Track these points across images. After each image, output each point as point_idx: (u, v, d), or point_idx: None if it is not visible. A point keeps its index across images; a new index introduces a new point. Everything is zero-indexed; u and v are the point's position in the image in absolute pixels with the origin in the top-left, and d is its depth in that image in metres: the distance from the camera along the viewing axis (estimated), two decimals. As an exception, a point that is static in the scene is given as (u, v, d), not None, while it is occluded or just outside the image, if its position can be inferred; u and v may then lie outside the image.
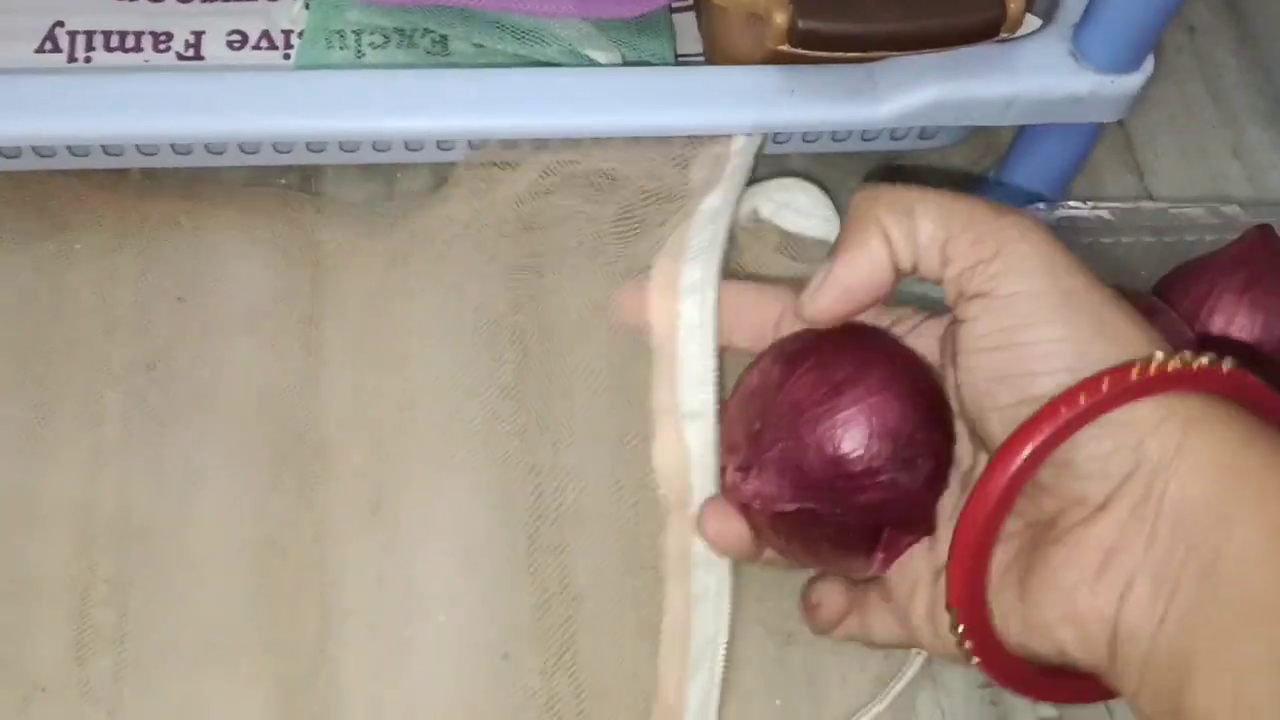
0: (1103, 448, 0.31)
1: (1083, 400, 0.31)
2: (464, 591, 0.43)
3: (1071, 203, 0.48)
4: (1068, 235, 0.48)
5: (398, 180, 0.52)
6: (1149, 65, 0.45)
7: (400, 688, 0.42)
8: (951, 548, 0.33)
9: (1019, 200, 0.50)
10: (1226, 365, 0.32)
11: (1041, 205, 0.48)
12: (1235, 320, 0.46)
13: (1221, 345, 0.40)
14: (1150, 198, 0.55)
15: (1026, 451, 0.32)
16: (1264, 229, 0.46)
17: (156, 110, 0.43)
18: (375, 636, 0.42)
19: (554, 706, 0.41)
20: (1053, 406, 0.31)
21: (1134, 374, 0.31)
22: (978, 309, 0.34)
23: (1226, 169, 0.56)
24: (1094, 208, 0.48)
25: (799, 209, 0.46)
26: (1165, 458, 0.31)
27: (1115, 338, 0.32)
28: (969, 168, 0.55)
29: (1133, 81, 0.45)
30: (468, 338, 0.47)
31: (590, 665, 0.42)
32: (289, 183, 0.51)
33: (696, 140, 0.45)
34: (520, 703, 0.42)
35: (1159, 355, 0.31)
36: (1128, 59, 0.44)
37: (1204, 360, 0.31)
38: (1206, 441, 0.30)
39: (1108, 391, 0.31)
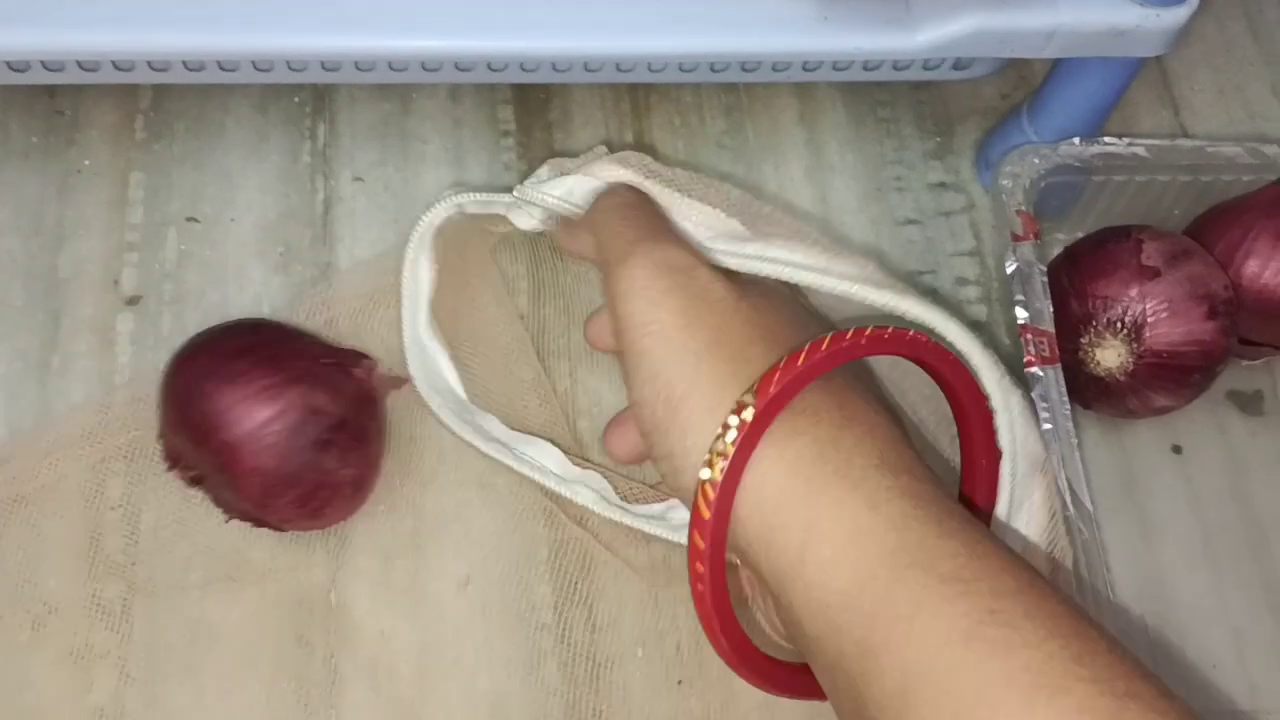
0: (732, 529, 0.32)
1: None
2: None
3: (1107, 138, 0.47)
4: (1103, 173, 0.47)
5: (413, 100, 0.51)
6: (1195, -2, 0.43)
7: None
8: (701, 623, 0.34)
9: (1051, 135, 0.48)
10: (751, 407, 0.31)
11: (1076, 140, 0.47)
12: (1270, 264, 0.45)
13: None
14: (1186, 134, 0.54)
15: (703, 562, 0.32)
16: None
17: (167, 25, 0.41)
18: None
19: None
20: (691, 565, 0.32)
21: (702, 497, 0.31)
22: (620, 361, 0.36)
23: (1265, 108, 0.55)
24: (1130, 144, 0.47)
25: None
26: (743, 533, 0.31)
27: (696, 392, 0.32)
28: (1000, 99, 0.54)
29: (1178, 15, 0.43)
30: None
31: None
32: (302, 101, 0.50)
33: None
34: None
35: (726, 424, 0.31)
36: (1174, -9, 0.43)
37: (749, 400, 0.31)
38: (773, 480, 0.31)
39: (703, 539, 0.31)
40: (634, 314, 0.33)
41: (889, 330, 0.33)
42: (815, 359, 0.31)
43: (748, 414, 0.30)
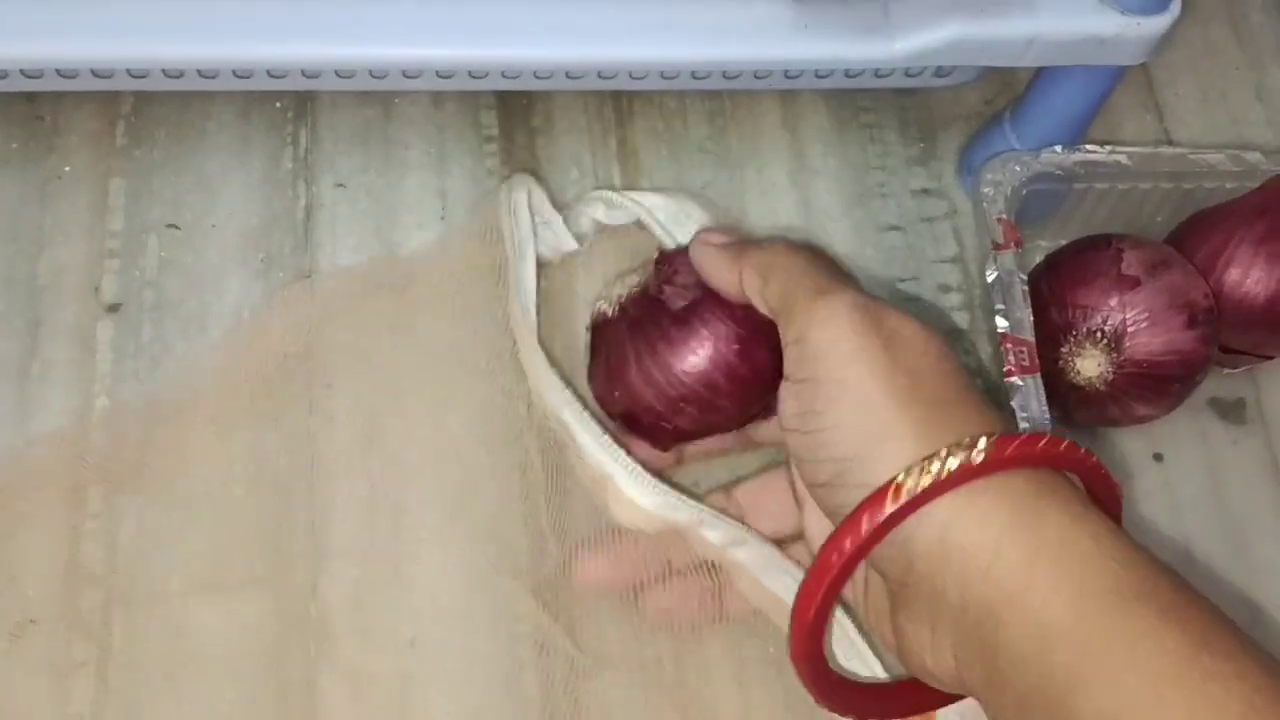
0: (912, 537, 0.32)
1: (864, 525, 0.32)
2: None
3: (1088, 146, 0.47)
4: (1084, 180, 0.47)
5: (395, 105, 0.51)
6: (1176, 6, 0.43)
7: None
8: (792, 614, 0.35)
9: (1033, 142, 0.48)
10: (983, 452, 0.32)
11: (1058, 148, 0.47)
12: (1251, 273, 0.45)
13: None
14: (1169, 139, 0.54)
15: (844, 553, 0.33)
16: None
17: (146, 33, 0.41)
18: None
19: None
20: (824, 556, 0.33)
21: (891, 494, 0.32)
22: (784, 390, 0.36)
23: (1248, 112, 0.55)
24: (1112, 152, 0.47)
25: (608, 207, 0.46)
26: (929, 555, 0.32)
27: (906, 433, 0.33)
28: (983, 105, 0.54)
29: (1159, 23, 0.43)
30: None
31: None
32: (284, 106, 0.50)
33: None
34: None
35: (941, 455, 0.32)
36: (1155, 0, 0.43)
37: (980, 450, 0.32)
38: (975, 537, 0.32)
39: (866, 528, 0.32)
40: (839, 342, 0.34)
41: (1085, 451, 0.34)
42: (1050, 451, 0.33)
43: (977, 455, 0.32)
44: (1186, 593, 0.31)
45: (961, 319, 0.49)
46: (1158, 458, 0.47)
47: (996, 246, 0.45)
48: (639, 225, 0.46)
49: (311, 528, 0.42)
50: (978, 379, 0.48)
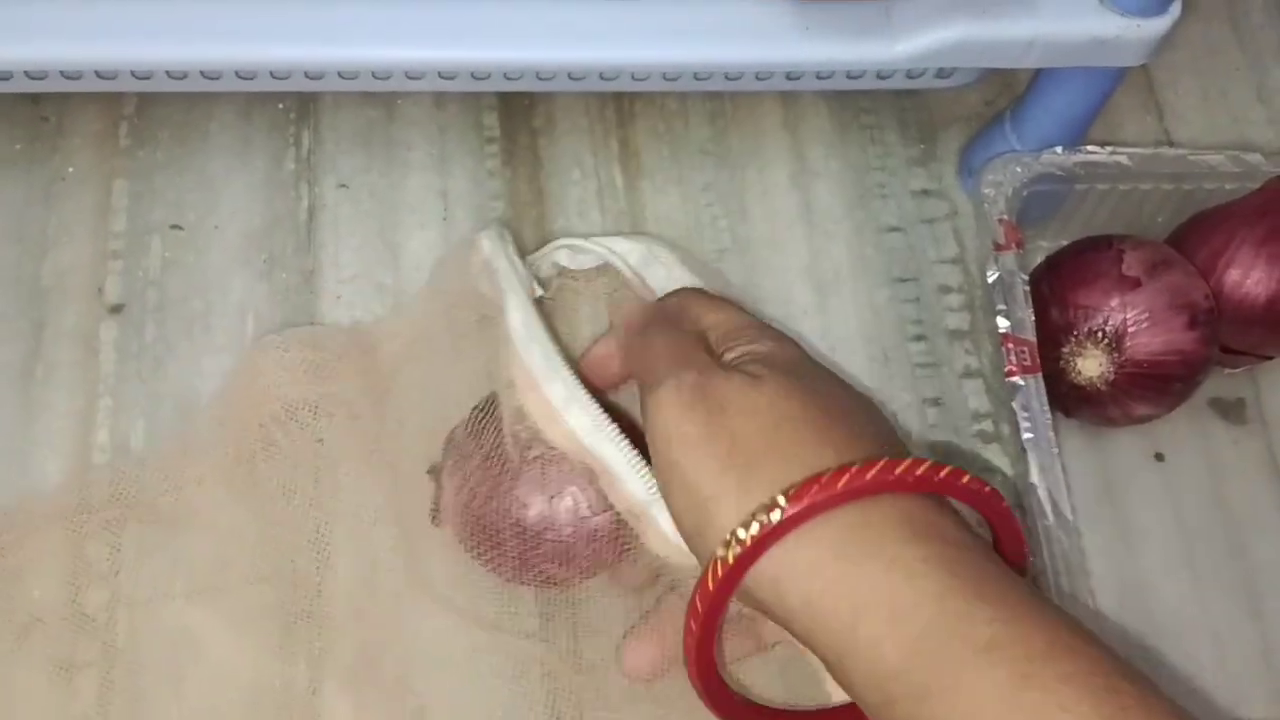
0: (760, 596, 0.33)
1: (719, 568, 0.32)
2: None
3: (1089, 147, 0.47)
4: (1085, 181, 0.47)
5: (398, 106, 0.51)
6: (1176, 8, 0.43)
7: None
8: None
9: (1033, 143, 0.48)
10: (780, 510, 0.32)
11: (1059, 149, 0.47)
12: (1252, 274, 0.45)
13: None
14: (1170, 140, 0.54)
15: (698, 617, 0.34)
16: None
17: (150, 36, 0.42)
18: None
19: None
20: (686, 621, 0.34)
21: (712, 570, 0.32)
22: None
23: (1249, 112, 0.55)
24: (1112, 153, 0.47)
25: (573, 252, 0.46)
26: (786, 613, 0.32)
27: (726, 497, 0.33)
28: (983, 106, 0.54)
29: (1160, 25, 0.43)
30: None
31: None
32: (286, 108, 0.50)
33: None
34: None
35: (754, 514, 0.32)
36: (1155, 1, 0.43)
37: (779, 508, 0.32)
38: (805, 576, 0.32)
39: (702, 606, 0.33)
40: (663, 429, 0.35)
41: (945, 470, 0.33)
42: (855, 484, 0.32)
43: (775, 515, 0.32)
44: (1011, 625, 0.30)
45: (962, 319, 0.49)
46: (1159, 457, 0.47)
47: (998, 247, 0.45)
48: (603, 270, 0.46)
49: (316, 532, 0.42)
50: (979, 378, 0.48)
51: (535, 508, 0.40)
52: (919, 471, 0.32)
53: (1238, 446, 0.48)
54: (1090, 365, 0.44)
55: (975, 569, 0.31)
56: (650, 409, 0.36)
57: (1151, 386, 0.44)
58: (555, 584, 0.41)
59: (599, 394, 0.40)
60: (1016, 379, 0.43)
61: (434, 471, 0.42)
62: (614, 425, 0.39)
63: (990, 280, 0.45)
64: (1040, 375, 0.43)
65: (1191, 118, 0.55)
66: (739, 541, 0.32)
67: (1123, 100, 0.54)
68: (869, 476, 0.32)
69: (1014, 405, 0.42)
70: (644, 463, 0.38)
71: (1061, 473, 0.42)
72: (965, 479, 0.33)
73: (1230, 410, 0.48)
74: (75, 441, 0.44)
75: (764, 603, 0.33)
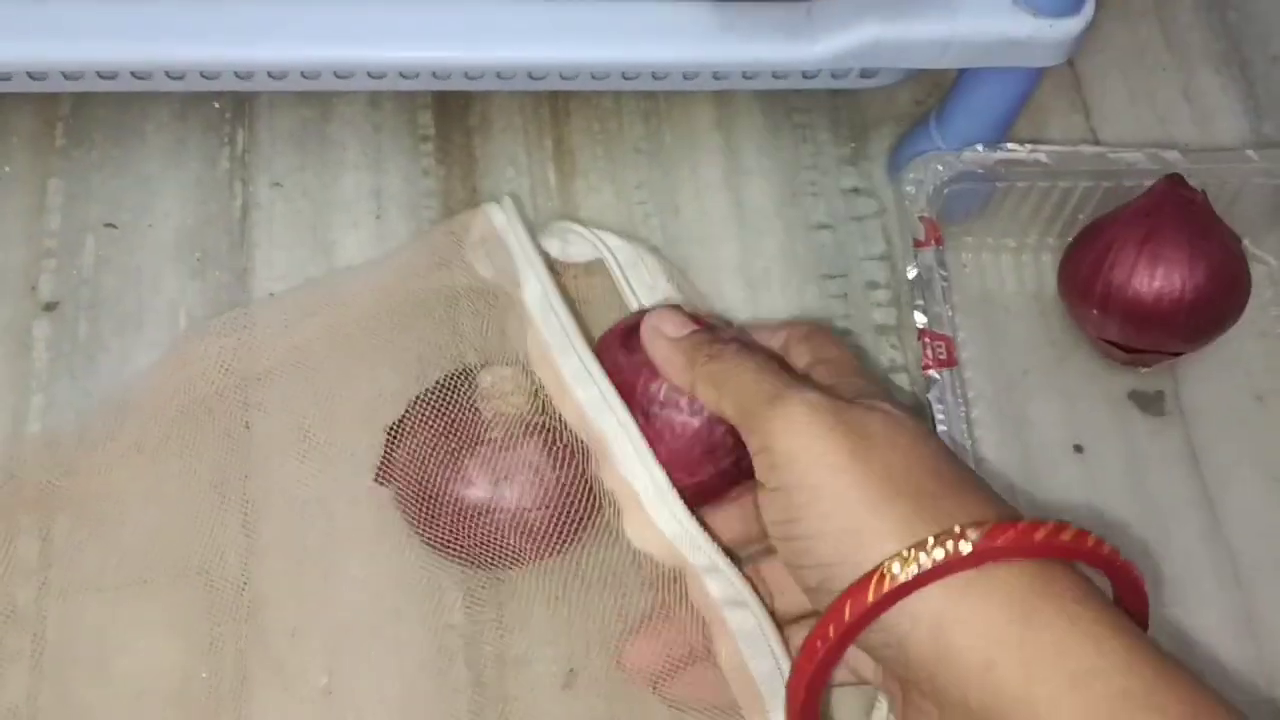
0: (904, 632, 0.32)
1: (847, 613, 0.31)
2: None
3: (1010, 145, 0.48)
4: (1006, 179, 0.48)
5: (333, 106, 0.51)
6: (1089, 9, 0.44)
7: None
8: (785, 698, 0.35)
9: (958, 142, 0.49)
10: (970, 542, 0.31)
11: (979, 147, 0.48)
12: (1135, 273, 0.45)
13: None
14: (1096, 138, 0.55)
15: (827, 640, 0.32)
16: (1172, 179, 0.46)
17: (78, 35, 0.42)
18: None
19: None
20: (810, 641, 0.33)
21: (875, 582, 0.31)
22: (761, 499, 0.35)
23: (1175, 112, 0.56)
24: (1032, 151, 0.48)
25: (572, 242, 0.47)
26: (923, 654, 0.31)
27: (888, 531, 0.32)
28: (914, 105, 0.54)
29: (1072, 25, 0.44)
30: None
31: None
32: (222, 107, 0.51)
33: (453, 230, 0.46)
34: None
35: (927, 545, 0.31)
36: (1067, 2, 0.43)
37: (968, 541, 0.31)
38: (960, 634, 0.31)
39: (849, 616, 0.32)
40: (804, 449, 0.33)
41: (1091, 539, 0.32)
42: (1053, 541, 0.31)
43: (964, 545, 0.30)
44: (1200, 698, 0.29)
45: (888, 315, 0.50)
46: (1078, 449, 0.48)
47: (918, 244, 0.46)
48: (594, 269, 0.46)
49: (244, 524, 0.43)
50: (903, 373, 0.49)
51: (478, 488, 0.40)
52: (1087, 542, 0.32)
53: (1156, 438, 0.49)
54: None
55: (1148, 641, 0.31)
56: (777, 428, 0.34)
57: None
58: (480, 566, 0.42)
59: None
60: (932, 373, 0.44)
61: (391, 430, 0.42)
62: (622, 403, 0.40)
63: (910, 277, 0.45)
64: (956, 369, 0.44)
65: (1118, 117, 0.56)
66: (912, 562, 0.30)
67: (1050, 99, 0.55)
68: (1065, 538, 0.31)
69: (929, 398, 0.43)
70: (646, 448, 0.39)
71: (974, 465, 0.43)
72: (1107, 548, 0.32)
73: (1149, 402, 0.49)
74: (6, 439, 0.44)
75: (898, 644, 0.32)
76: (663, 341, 0.40)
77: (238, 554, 0.43)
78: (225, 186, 0.49)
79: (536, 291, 0.42)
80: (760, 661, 0.38)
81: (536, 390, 0.42)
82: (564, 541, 0.40)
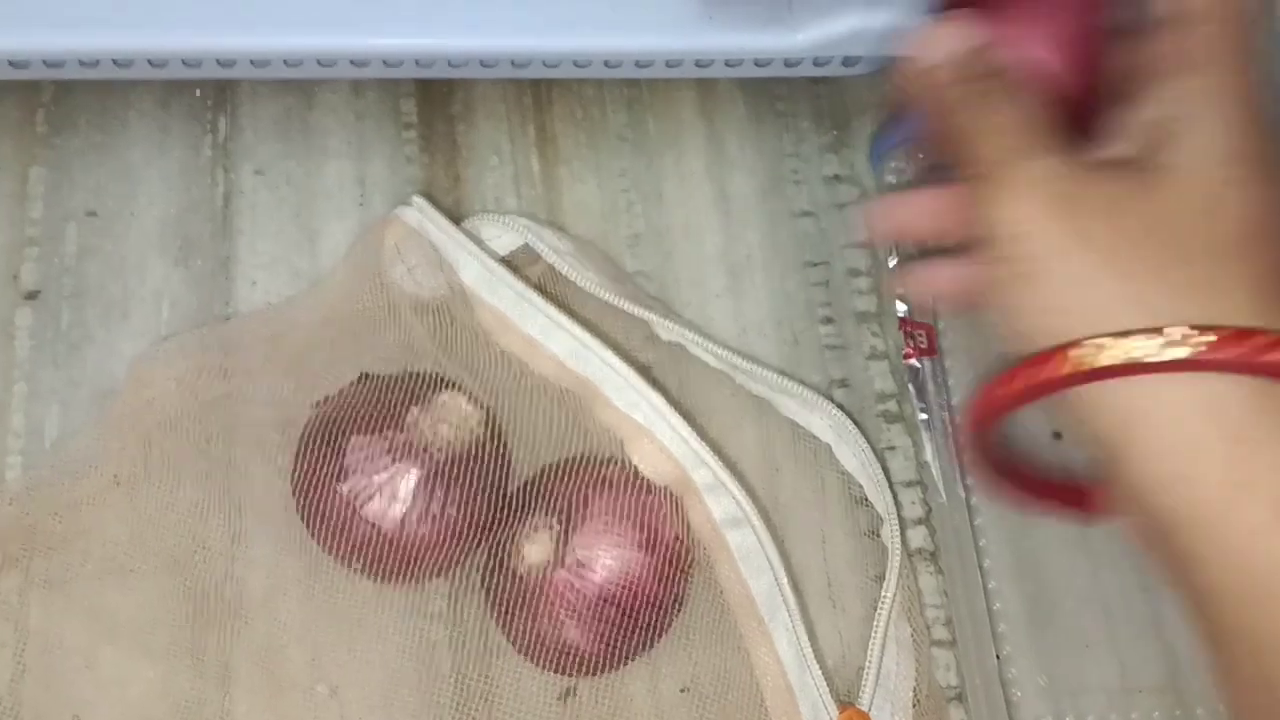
0: (1090, 413, 0.30)
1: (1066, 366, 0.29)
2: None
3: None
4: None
5: (316, 93, 0.51)
6: (1070, -2, 0.44)
7: None
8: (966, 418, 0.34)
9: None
10: (1189, 347, 0.28)
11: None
12: None
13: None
14: (1078, 127, 0.55)
15: (991, 402, 0.32)
16: None
17: (60, 22, 0.42)
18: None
19: None
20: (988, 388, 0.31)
21: (1056, 361, 0.29)
22: (983, 269, 0.33)
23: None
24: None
25: (491, 234, 0.47)
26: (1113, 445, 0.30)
27: (1096, 305, 0.30)
28: (895, 93, 0.55)
29: (1053, 14, 0.44)
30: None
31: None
32: (204, 95, 0.51)
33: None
34: None
35: (1097, 343, 0.29)
36: (1048, -9, 0.44)
37: (1184, 345, 0.28)
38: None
39: (1020, 384, 0.30)
40: (1021, 226, 0.31)
41: None
42: None
43: (1178, 350, 0.28)
44: None
45: (870, 302, 0.50)
46: (1057, 436, 0.48)
47: (899, 232, 0.46)
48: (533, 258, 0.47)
49: (226, 516, 0.43)
50: (884, 360, 0.49)
51: (348, 482, 0.40)
52: None
53: (1135, 425, 0.49)
54: None
55: None
56: (1000, 196, 0.31)
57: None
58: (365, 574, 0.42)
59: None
60: (913, 361, 0.44)
61: (317, 405, 0.43)
62: (601, 343, 0.40)
63: (891, 265, 0.46)
64: (937, 358, 0.44)
65: (1099, 105, 0.56)
66: (1089, 356, 0.28)
67: (1032, 87, 0.55)
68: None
69: (910, 387, 0.43)
70: (641, 379, 0.41)
71: (955, 452, 0.43)
72: None
73: (1128, 390, 0.49)
74: (-11, 428, 0.44)
75: (1095, 422, 0.30)
76: (920, 65, 0.36)
77: (220, 541, 0.43)
78: (208, 174, 0.49)
79: (475, 269, 0.43)
80: (759, 580, 0.39)
81: (476, 427, 0.42)
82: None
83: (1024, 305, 0.31)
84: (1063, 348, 0.29)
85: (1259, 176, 0.30)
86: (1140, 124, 0.32)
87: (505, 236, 0.47)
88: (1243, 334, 0.28)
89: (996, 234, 0.31)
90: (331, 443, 0.41)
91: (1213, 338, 0.28)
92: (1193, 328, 0.28)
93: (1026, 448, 0.37)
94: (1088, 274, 0.30)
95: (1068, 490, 0.35)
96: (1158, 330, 0.28)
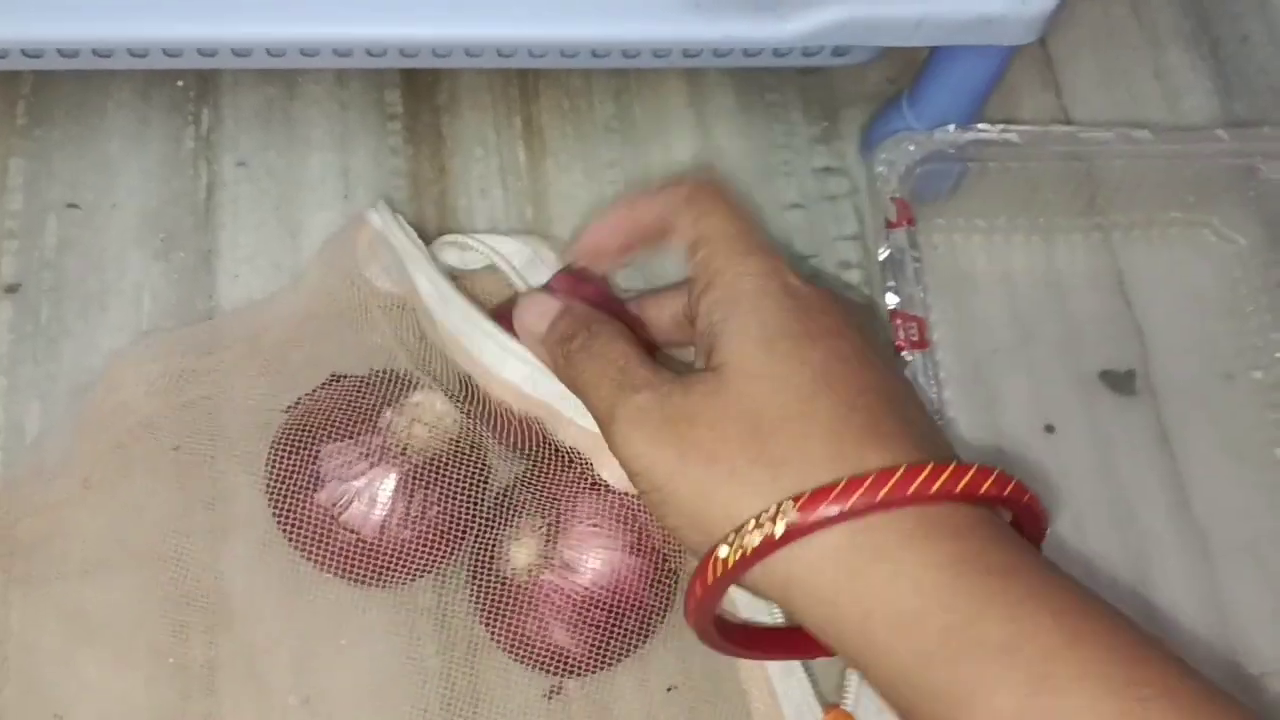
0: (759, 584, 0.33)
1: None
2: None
3: (981, 125, 0.48)
4: (978, 159, 0.48)
5: (299, 84, 0.51)
6: (1061, -13, 0.44)
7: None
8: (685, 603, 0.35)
9: (930, 121, 0.49)
10: (785, 522, 0.31)
11: (951, 127, 0.48)
12: None
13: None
14: (1067, 117, 0.55)
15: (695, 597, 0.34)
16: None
17: (37, 11, 0.41)
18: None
19: None
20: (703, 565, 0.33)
21: (710, 573, 0.33)
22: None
23: (1146, 90, 0.56)
24: (1003, 131, 0.48)
25: (461, 250, 0.46)
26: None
27: (723, 504, 0.33)
28: (886, 84, 0.54)
29: (1044, 3, 0.44)
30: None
31: None
32: (185, 86, 0.50)
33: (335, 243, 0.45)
34: None
35: (727, 540, 0.32)
36: (1040, -20, 0.43)
37: (762, 533, 0.32)
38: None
39: (698, 591, 0.34)
40: (635, 461, 0.35)
41: (967, 477, 0.32)
42: (871, 500, 0.31)
43: (779, 528, 0.31)
44: (1025, 620, 0.30)
45: (861, 295, 0.50)
46: (1049, 429, 0.48)
47: (890, 225, 0.46)
48: (489, 270, 0.46)
49: (210, 507, 0.43)
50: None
51: (324, 490, 0.40)
52: (936, 485, 0.31)
53: (1126, 417, 0.49)
54: None
55: (986, 562, 0.31)
56: (615, 442, 0.35)
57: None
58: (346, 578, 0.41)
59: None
60: (905, 354, 0.43)
61: (287, 409, 0.42)
62: None
63: (881, 258, 0.45)
64: (929, 350, 0.44)
65: (1089, 96, 0.55)
66: (739, 547, 0.32)
67: (1022, 78, 0.55)
68: (880, 495, 0.31)
69: (901, 379, 0.43)
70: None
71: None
72: (987, 483, 0.32)
73: (1119, 382, 0.49)
74: (-32, 422, 0.43)
75: (765, 594, 0.33)
76: (529, 339, 0.40)
77: (203, 537, 0.42)
78: (189, 166, 0.49)
79: (427, 288, 0.42)
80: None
81: (452, 426, 0.42)
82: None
83: (672, 524, 0.34)
84: (707, 555, 0.33)
85: (793, 350, 0.34)
86: (698, 334, 0.36)
87: (476, 256, 0.46)
88: (827, 490, 0.31)
89: (630, 470, 0.35)
90: (305, 449, 0.40)
91: (803, 501, 0.31)
92: (792, 499, 0.31)
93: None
94: (702, 484, 0.33)
95: (791, 637, 0.39)
96: (766, 510, 0.32)
